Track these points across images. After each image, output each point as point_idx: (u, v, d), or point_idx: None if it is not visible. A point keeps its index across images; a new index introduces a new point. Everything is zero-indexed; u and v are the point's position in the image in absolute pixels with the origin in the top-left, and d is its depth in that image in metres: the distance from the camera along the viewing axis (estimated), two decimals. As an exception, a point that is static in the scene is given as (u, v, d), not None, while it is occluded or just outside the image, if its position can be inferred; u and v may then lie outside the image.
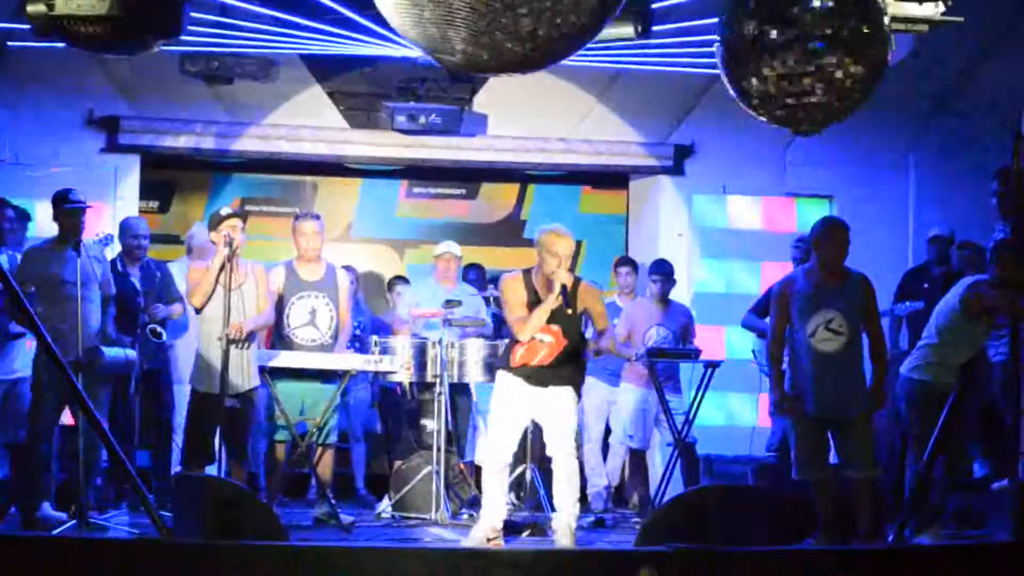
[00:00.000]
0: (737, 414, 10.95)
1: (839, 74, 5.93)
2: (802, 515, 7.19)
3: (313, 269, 8.57)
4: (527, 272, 7.43)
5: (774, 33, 5.93)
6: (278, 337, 8.57)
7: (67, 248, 7.84)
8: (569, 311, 7.31)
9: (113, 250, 8.95)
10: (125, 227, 9.13)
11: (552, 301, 7.23)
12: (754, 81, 6.04)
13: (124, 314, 8.64)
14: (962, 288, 7.71)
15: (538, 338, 7.31)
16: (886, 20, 6.11)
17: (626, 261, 10.19)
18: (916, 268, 9.84)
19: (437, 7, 5.27)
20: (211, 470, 8.15)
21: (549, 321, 7.28)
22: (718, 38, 6.20)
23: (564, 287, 7.22)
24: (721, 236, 11.26)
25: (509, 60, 5.48)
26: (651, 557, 5.21)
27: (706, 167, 11.27)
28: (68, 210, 7.92)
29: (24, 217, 8.91)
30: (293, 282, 8.50)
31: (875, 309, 7.45)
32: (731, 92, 6.20)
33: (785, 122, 6.21)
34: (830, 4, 5.89)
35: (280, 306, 8.45)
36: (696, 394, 9.13)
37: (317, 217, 8.71)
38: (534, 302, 7.31)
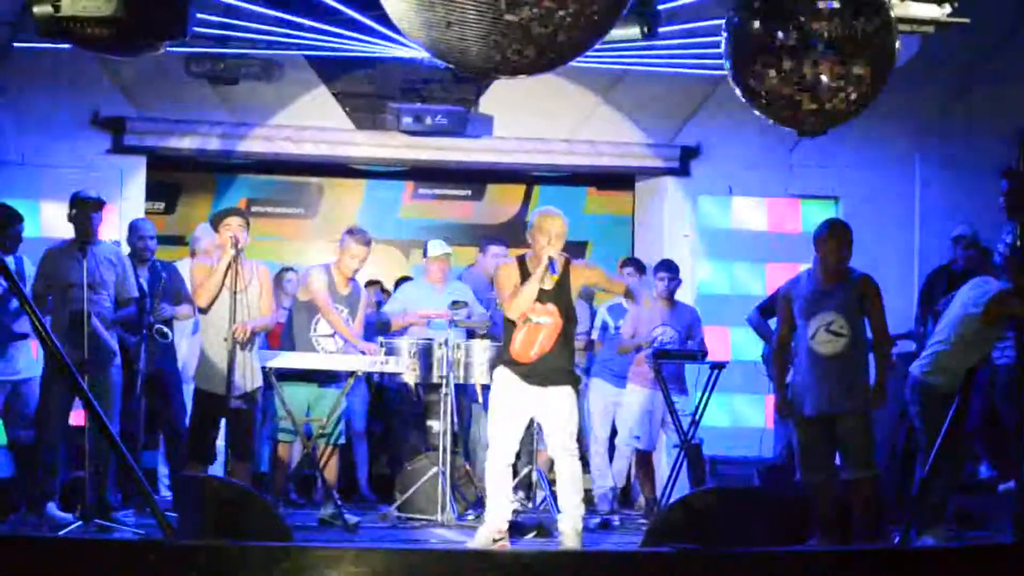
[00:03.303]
0: (743, 416, 10.94)
1: (845, 75, 5.93)
2: (806, 517, 7.21)
3: (346, 283, 8.58)
4: (521, 259, 7.45)
5: (781, 33, 5.93)
6: (291, 339, 8.55)
7: (76, 250, 7.84)
8: (558, 285, 7.28)
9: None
10: (132, 228, 9.13)
11: (541, 273, 7.24)
12: (760, 81, 6.03)
13: (140, 314, 8.67)
14: (983, 296, 7.62)
15: (535, 320, 7.27)
16: (894, 21, 6.09)
17: (631, 262, 10.18)
18: (940, 268, 9.77)
19: (444, 9, 5.28)
20: (214, 470, 8.17)
21: (546, 301, 7.28)
22: (724, 37, 6.20)
23: (552, 260, 7.22)
24: (725, 237, 11.26)
25: (517, 62, 5.48)
26: (656, 558, 5.21)
27: (712, 168, 11.26)
28: (81, 204, 7.92)
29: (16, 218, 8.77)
30: (329, 292, 8.49)
31: (879, 306, 7.43)
32: (737, 91, 6.20)
33: (790, 123, 6.20)
34: (837, 5, 5.88)
35: (309, 308, 8.45)
36: (702, 395, 9.12)
37: (369, 243, 8.68)
38: None
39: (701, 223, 11.19)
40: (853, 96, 6.08)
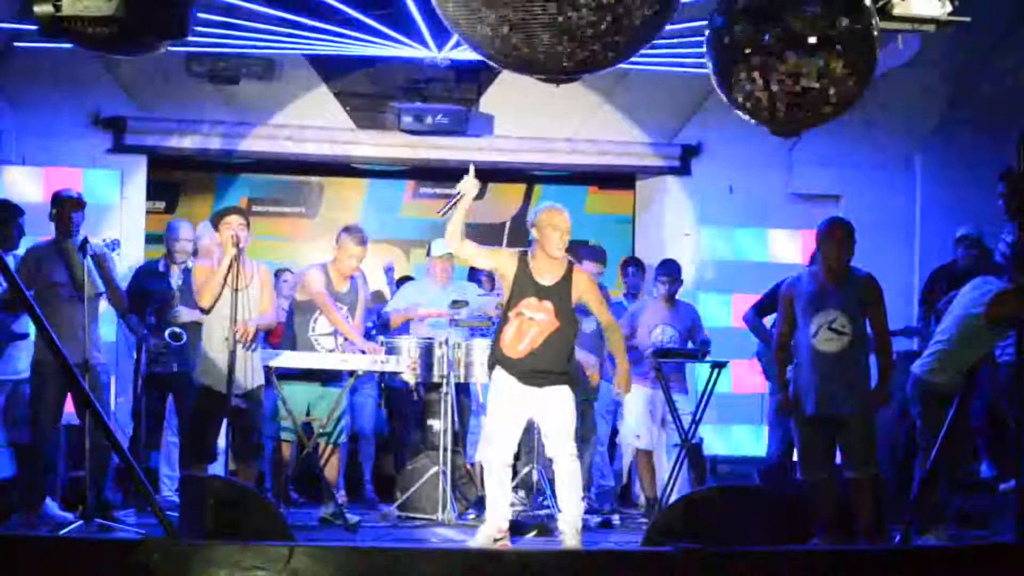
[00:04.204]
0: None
1: (826, 76, 5.94)
2: (806, 516, 7.21)
3: (343, 281, 8.58)
4: (524, 253, 7.43)
5: (761, 35, 5.95)
6: (291, 339, 8.56)
7: (57, 249, 7.83)
8: (558, 285, 7.26)
9: (120, 255, 8.92)
10: (170, 229, 9.18)
11: (462, 207, 7.28)
12: (740, 80, 6.06)
13: (158, 316, 8.69)
14: (983, 296, 7.60)
15: (528, 315, 7.25)
16: (875, 25, 6.10)
17: (632, 261, 10.17)
18: (942, 267, 9.77)
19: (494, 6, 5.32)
20: (215, 470, 8.17)
21: (543, 296, 7.26)
22: (706, 38, 6.23)
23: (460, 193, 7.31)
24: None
25: (573, 62, 5.53)
26: (656, 558, 5.21)
27: (713, 167, 11.26)
28: (62, 204, 7.91)
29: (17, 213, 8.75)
30: (327, 290, 8.49)
31: (880, 307, 7.43)
32: (718, 90, 6.23)
33: (768, 122, 6.23)
34: (818, 8, 5.90)
35: (308, 308, 8.45)
36: (702, 394, 9.11)
37: (366, 242, 8.68)
38: (526, 284, 7.29)
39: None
40: (833, 97, 6.09)
